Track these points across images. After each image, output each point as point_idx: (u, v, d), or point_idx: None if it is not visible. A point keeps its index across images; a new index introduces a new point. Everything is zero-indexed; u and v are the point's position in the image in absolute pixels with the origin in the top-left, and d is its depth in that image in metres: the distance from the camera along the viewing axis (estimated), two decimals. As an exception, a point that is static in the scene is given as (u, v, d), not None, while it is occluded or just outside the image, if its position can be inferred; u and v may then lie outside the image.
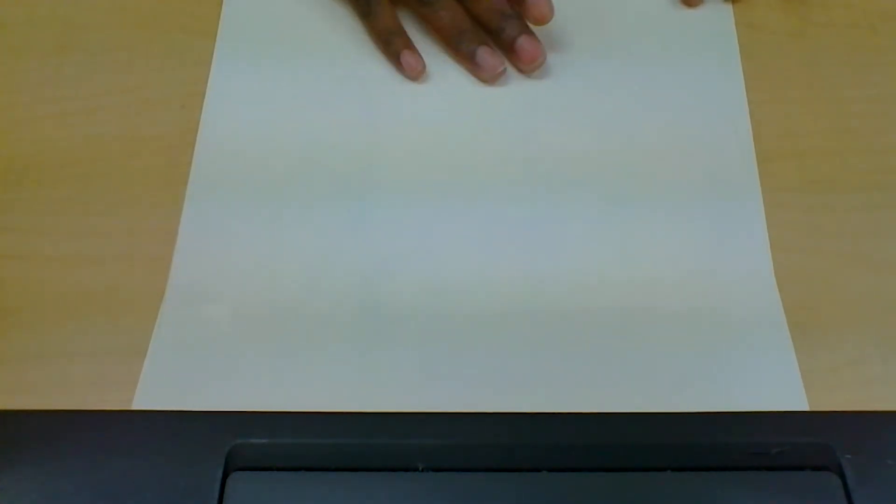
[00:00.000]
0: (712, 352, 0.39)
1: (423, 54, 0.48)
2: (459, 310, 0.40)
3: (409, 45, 0.49)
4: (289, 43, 0.50)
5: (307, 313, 0.40)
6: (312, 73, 0.48)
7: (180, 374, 0.38)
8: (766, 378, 0.38)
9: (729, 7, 0.51)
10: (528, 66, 0.48)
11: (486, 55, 0.47)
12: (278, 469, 0.33)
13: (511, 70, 0.48)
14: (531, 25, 0.48)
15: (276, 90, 0.48)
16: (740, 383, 0.38)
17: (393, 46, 0.48)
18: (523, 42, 0.47)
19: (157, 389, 0.38)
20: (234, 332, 0.40)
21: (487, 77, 0.48)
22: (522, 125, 0.47)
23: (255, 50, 0.49)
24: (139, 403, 0.37)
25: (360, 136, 0.46)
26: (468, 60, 0.48)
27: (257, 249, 0.42)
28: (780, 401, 0.37)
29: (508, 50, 0.48)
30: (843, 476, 0.32)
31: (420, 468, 0.33)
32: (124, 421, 0.35)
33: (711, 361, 0.39)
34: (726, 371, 0.38)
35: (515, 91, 0.48)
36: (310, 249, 0.42)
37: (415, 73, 0.48)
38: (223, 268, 0.41)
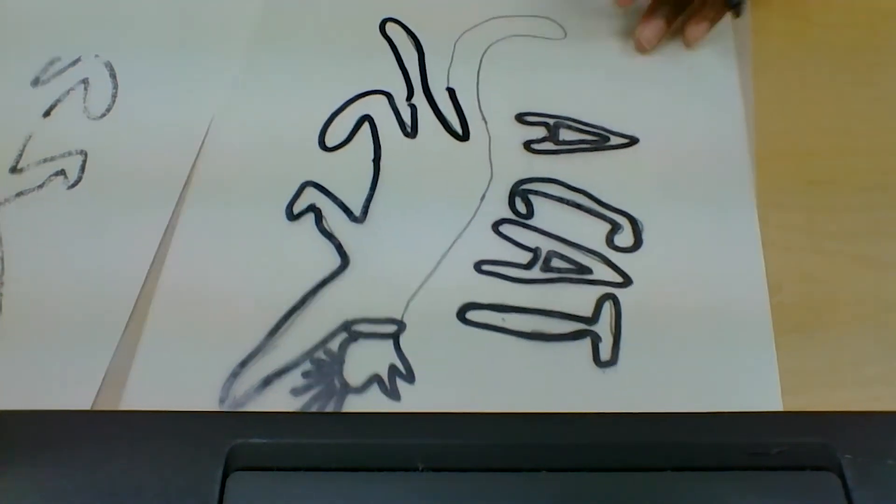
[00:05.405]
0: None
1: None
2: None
3: None
4: None
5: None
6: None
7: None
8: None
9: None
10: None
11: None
12: (278, 469, 0.33)
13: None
14: None
15: None
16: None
17: None
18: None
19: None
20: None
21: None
22: None
23: None
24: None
25: None
26: None
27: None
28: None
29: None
30: (843, 476, 0.32)
31: (420, 468, 0.33)
32: (124, 421, 0.35)
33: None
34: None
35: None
36: None
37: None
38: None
